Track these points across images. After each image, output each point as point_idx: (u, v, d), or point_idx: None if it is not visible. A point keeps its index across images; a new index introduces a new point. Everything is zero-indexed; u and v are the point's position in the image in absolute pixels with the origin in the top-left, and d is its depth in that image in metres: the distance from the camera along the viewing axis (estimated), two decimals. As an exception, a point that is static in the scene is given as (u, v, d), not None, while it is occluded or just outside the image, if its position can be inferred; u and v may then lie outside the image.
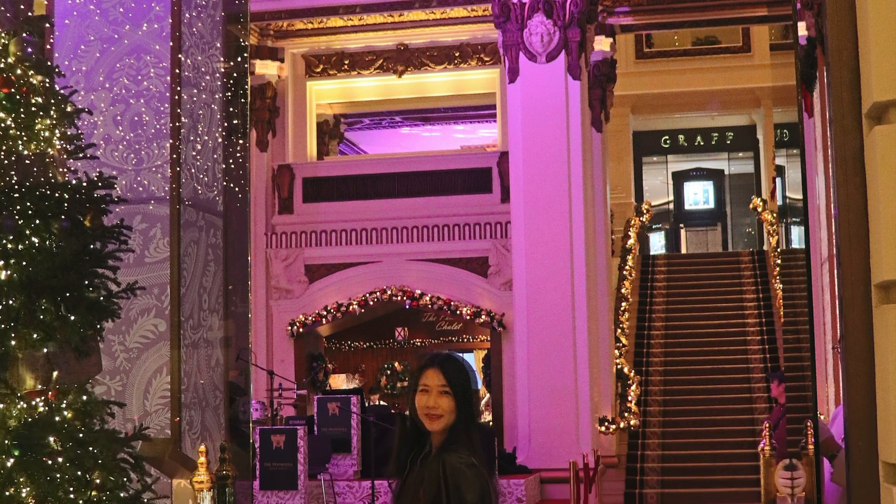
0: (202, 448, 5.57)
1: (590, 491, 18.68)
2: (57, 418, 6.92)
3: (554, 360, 21.50)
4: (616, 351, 26.39)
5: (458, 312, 25.80)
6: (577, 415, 21.55)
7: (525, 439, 21.75)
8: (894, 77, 4.68)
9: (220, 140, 11.31)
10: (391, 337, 29.49)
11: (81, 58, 11.12)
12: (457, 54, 27.30)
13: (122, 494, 6.99)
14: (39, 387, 6.95)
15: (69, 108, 7.55)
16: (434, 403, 5.20)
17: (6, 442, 6.58)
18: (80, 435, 6.94)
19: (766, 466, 6.41)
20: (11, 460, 6.52)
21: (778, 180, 38.11)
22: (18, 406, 6.78)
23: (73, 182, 7.36)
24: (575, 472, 17.53)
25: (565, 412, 21.40)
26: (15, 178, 7.00)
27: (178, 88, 10.67)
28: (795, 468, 6.12)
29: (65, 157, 7.56)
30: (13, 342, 6.79)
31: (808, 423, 6.10)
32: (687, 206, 44.71)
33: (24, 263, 6.84)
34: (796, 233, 35.78)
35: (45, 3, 10.77)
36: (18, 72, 7.20)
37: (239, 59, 11.89)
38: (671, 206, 44.31)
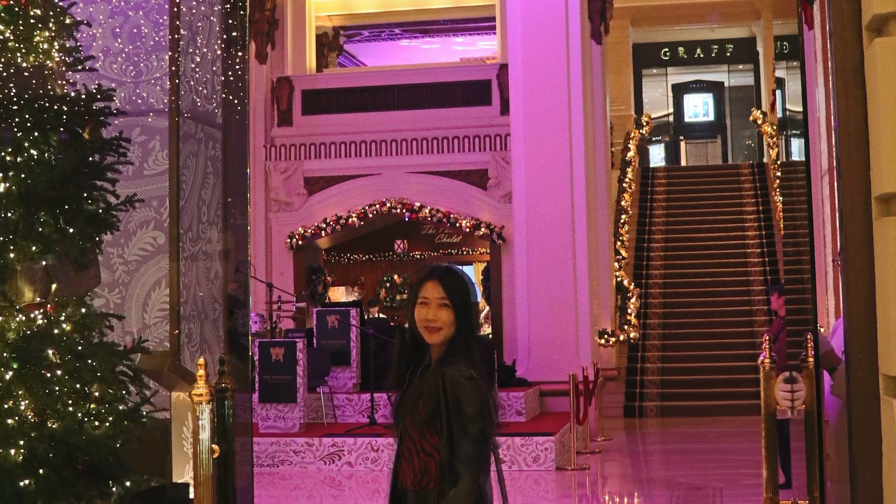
0: (201, 361, 5.57)
1: (589, 403, 18.74)
2: (56, 331, 6.91)
3: (553, 273, 21.50)
4: (616, 263, 26.42)
5: (457, 225, 25.78)
6: (576, 327, 21.59)
7: (524, 352, 21.80)
8: (897, -13, 4.63)
9: (218, 52, 11.21)
10: (390, 250, 29.52)
11: (78, -32, 11.02)
12: (456, -35, 27.11)
13: (120, 407, 6.98)
14: (38, 299, 6.94)
15: (68, 21, 7.49)
16: (433, 316, 5.19)
17: (5, 355, 6.57)
18: (79, 348, 6.93)
19: (765, 379, 6.40)
20: (10, 373, 6.52)
21: (778, 93, 37.99)
22: (17, 319, 6.77)
23: (72, 94, 7.32)
24: (574, 384, 17.57)
25: (565, 325, 21.44)
26: (13, 91, 6.95)
27: (178, 0, 10.56)
28: (795, 381, 6.11)
29: (63, 69, 7.50)
30: (12, 255, 6.77)
31: (808, 336, 6.07)
32: (687, 119, 44.64)
33: (22, 176, 6.81)
34: (796, 145, 35.71)
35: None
36: (15, -17, 7.13)
37: (237, -31, 11.77)
38: (671, 118, 44.23)
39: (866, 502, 4.87)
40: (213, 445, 5.17)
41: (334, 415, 18.79)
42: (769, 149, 32.96)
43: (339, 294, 29.37)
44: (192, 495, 5.37)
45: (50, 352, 6.72)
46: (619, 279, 26.27)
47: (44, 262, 6.94)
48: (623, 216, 28.91)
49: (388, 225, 27.72)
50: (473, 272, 28.92)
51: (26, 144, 6.87)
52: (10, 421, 6.49)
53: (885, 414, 4.77)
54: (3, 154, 6.80)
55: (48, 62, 7.29)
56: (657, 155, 43.78)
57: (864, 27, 4.96)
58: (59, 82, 7.45)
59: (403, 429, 5.30)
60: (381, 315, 27.78)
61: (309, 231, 26.41)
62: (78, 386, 6.79)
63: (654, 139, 41.93)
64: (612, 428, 21.80)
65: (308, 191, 26.72)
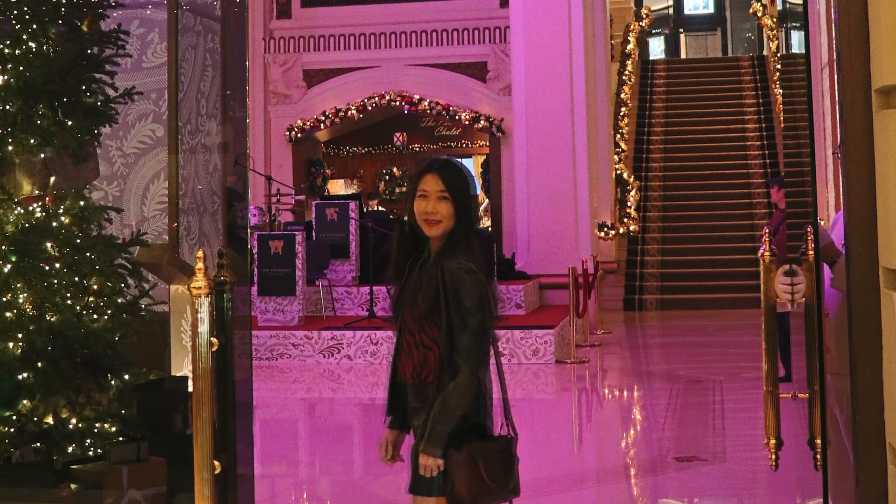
0: (200, 254, 5.55)
1: (589, 296, 18.78)
2: (54, 224, 6.90)
3: (553, 166, 21.44)
4: (615, 156, 26.36)
5: (456, 118, 25.70)
6: (576, 220, 21.58)
7: (524, 245, 21.81)
8: None
9: (216, -57, 11.10)
10: (390, 142, 29.43)
11: None
12: None
13: (119, 300, 7.00)
14: (37, 192, 6.93)
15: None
16: (433, 209, 5.16)
17: (3, 247, 6.56)
18: (78, 241, 6.93)
19: (765, 272, 6.37)
20: (9, 266, 6.52)
21: (778, -16, 37.70)
22: (16, 212, 6.75)
23: (70, -14, 7.25)
24: (574, 277, 17.59)
25: (564, 218, 21.42)
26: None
27: None
28: (795, 274, 6.09)
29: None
30: (10, 148, 6.74)
31: (808, 229, 6.04)
32: (686, 11, 44.39)
33: (21, 69, 6.77)
34: (796, 37, 35.53)
35: None
36: None
37: None
38: (671, 10, 43.97)
39: (866, 395, 4.87)
40: (212, 338, 5.16)
41: (333, 308, 18.84)
42: (769, 41, 32.78)
43: (338, 187, 29.33)
44: (190, 388, 5.38)
45: (48, 245, 6.72)
46: (618, 172, 26.23)
47: (42, 155, 6.92)
48: (623, 109, 28.80)
49: (387, 118, 27.62)
50: (473, 165, 28.85)
51: (25, 37, 6.82)
52: (8, 314, 6.50)
53: (884, 307, 4.76)
54: (1, 47, 6.76)
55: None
56: (657, 47, 43.59)
57: (865, -85, 4.88)
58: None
59: (402, 322, 5.29)
60: (380, 208, 27.75)
61: (308, 124, 26.33)
62: (76, 279, 6.80)
63: (653, 32, 41.69)
64: (611, 321, 21.87)
65: (307, 83, 26.60)
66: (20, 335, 6.44)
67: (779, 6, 35.92)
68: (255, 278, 17.35)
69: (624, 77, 29.91)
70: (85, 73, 7.09)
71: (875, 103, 4.78)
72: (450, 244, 5.20)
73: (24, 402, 6.59)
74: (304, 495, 10.27)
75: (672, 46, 43.90)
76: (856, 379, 4.96)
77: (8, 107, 6.72)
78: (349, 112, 26.08)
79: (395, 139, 29.25)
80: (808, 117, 6.21)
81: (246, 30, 11.02)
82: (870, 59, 4.83)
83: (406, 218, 5.34)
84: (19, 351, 6.44)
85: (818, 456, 5.68)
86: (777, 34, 32.56)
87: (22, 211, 6.78)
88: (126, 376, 6.95)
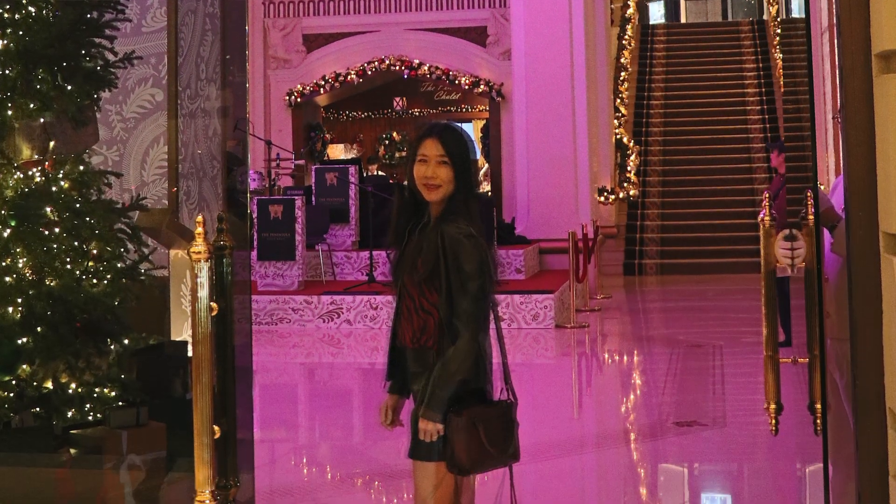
0: (199, 218, 5.54)
1: (589, 261, 18.78)
2: (54, 188, 6.90)
3: (553, 130, 21.41)
4: (615, 121, 26.33)
5: (456, 82, 25.66)
6: (576, 185, 21.56)
7: (524, 210, 21.80)
8: None
9: None
10: (389, 107, 29.38)
11: None
12: None
13: (118, 265, 6.99)
14: (36, 157, 6.91)
15: None
16: (433, 173, 5.15)
17: (3, 212, 6.55)
18: (77, 205, 6.92)
19: (765, 237, 6.36)
20: (8, 231, 6.51)
21: (779, -52, 37.61)
22: (15, 176, 6.74)
23: (69, -50, 7.22)
24: (574, 242, 17.60)
25: (564, 182, 21.40)
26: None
27: None
28: (795, 238, 6.08)
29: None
30: (10, 112, 6.73)
31: (808, 194, 6.03)
32: (687, -25, 44.23)
33: (20, 33, 6.75)
34: (796, 2, 35.44)
35: None
36: None
37: None
38: (671, -26, 43.82)
39: (866, 360, 4.87)
40: (211, 303, 5.16)
41: (333, 272, 18.84)
42: (769, 5, 32.71)
43: (337, 151, 29.29)
44: (190, 353, 5.38)
45: (48, 209, 6.71)
46: (618, 136, 26.21)
47: (42, 120, 6.91)
48: (623, 73, 28.75)
49: (387, 82, 27.56)
50: (472, 129, 28.82)
51: (24, 1, 6.80)
52: (7, 279, 6.50)
53: (885, 271, 4.76)
54: (1, 11, 6.73)
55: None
56: (657, 12, 43.44)
57: None
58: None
59: (402, 287, 5.29)
60: (379, 172, 27.72)
61: (308, 88, 26.29)
62: (76, 244, 6.80)
63: (654, -4, 41.59)
64: (611, 286, 21.89)
65: (307, 48, 26.56)
66: (20, 300, 6.44)
67: (779, -30, 35.86)
68: (255, 243, 17.34)
69: (624, 42, 29.85)
70: (84, 37, 7.08)
71: (875, 68, 4.76)
72: (450, 209, 5.19)
73: (24, 366, 6.59)
74: (304, 460, 10.30)
75: (672, 11, 43.77)
76: (856, 344, 4.96)
77: (7, 71, 6.71)
78: (349, 76, 26.05)
79: (395, 104, 29.21)
80: (808, 82, 6.20)
81: (245, -7, 10.98)
82: (870, 24, 4.81)
83: (406, 182, 5.33)
84: (19, 316, 6.45)
85: (818, 421, 5.68)
86: (777, -2, 32.51)
87: (21, 176, 6.77)
88: (126, 341, 6.96)
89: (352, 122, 29.98)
